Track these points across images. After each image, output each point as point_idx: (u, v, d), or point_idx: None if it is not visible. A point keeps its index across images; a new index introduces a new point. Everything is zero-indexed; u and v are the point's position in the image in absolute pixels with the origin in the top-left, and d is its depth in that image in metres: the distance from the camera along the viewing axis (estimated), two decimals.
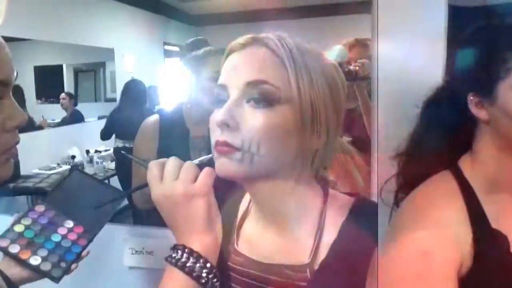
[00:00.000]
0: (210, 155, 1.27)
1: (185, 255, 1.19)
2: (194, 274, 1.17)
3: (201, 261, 1.18)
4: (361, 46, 2.28)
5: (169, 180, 1.23)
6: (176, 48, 3.66)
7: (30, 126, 4.25)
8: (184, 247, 1.20)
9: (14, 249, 1.55)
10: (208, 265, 1.19)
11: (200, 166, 1.29)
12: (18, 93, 4.23)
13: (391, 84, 1.74)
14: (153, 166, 1.27)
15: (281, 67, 1.15)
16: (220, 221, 1.27)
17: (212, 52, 2.38)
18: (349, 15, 2.37)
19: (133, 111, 3.56)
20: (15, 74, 1.15)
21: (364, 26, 1.80)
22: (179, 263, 1.18)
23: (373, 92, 1.78)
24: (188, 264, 1.18)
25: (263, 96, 1.14)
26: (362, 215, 1.26)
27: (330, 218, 1.26)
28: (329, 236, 1.24)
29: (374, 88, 1.76)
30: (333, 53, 2.40)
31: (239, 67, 1.20)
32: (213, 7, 3.16)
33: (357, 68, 2.13)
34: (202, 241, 1.20)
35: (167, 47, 3.81)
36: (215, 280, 1.20)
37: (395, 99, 1.73)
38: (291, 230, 1.28)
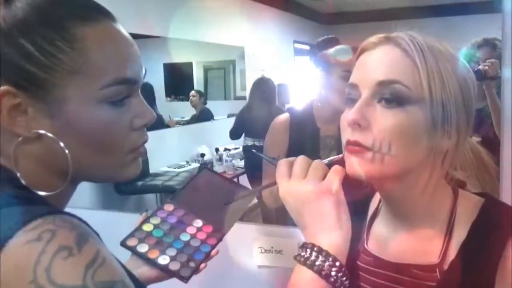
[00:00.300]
0: (340, 155, 1.29)
1: (314, 253, 1.19)
2: (323, 273, 1.17)
3: (330, 259, 1.17)
4: (490, 46, 2.27)
5: (298, 178, 1.25)
6: (306, 47, 3.71)
7: (159, 123, 4.38)
8: (313, 245, 1.20)
9: (143, 248, 1.55)
10: (338, 263, 1.18)
11: (330, 166, 1.30)
12: (148, 90, 4.37)
13: None
14: (282, 164, 1.29)
15: (413, 67, 1.16)
16: (349, 219, 1.24)
17: (343, 50, 2.38)
18: (478, 14, 2.35)
19: (263, 109, 3.62)
20: (144, 72, 1.18)
21: (494, 25, 1.78)
22: (308, 262, 1.19)
23: (503, 92, 1.76)
24: (317, 263, 1.18)
25: (394, 96, 1.15)
26: (493, 216, 1.25)
27: (460, 219, 1.26)
28: (459, 236, 1.24)
29: (507, 87, 1.74)
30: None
31: (371, 67, 1.22)
32: (343, 5, 3.19)
33: (487, 67, 2.12)
34: (331, 239, 1.20)
35: (297, 46, 3.85)
36: (344, 278, 1.18)
37: None
38: (421, 230, 1.28)
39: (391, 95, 1.14)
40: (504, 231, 1.18)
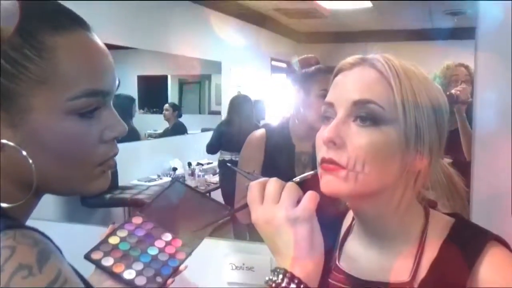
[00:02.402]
0: (311, 172, 1.32)
1: (285, 280, 1.18)
2: None
3: (302, 287, 1.18)
4: (452, 70, 2.35)
5: (270, 203, 1.26)
6: (283, 64, 3.74)
7: (134, 136, 4.37)
8: (285, 271, 1.20)
9: (108, 262, 1.51)
10: None
11: (302, 184, 1.32)
12: (130, 103, 4.39)
13: (491, 107, 1.78)
14: (254, 187, 1.30)
15: (388, 88, 1.22)
16: (322, 244, 1.27)
17: (322, 70, 2.45)
18: (453, 40, 2.41)
19: (242, 124, 3.69)
20: (117, 83, 1.15)
21: (469, 51, 1.84)
22: None
23: (474, 116, 1.82)
24: None
25: (369, 116, 1.21)
26: (462, 236, 1.30)
27: (430, 238, 1.32)
28: (429, 255, 1.29)
29: (476, 112, 1.81)
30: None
31: (347, 86, 1.27)
32: (320, 25, 3.24)
33: (458, 92, 2.19)
34: (304, 266, 1.20)
35: (274, 63, 3.89)
36: None
37: (495, 123, 1.77)
38: (393, 248, 1.33)
39: (366, 114, 1.20)
40: (473, 251, 1.23)
